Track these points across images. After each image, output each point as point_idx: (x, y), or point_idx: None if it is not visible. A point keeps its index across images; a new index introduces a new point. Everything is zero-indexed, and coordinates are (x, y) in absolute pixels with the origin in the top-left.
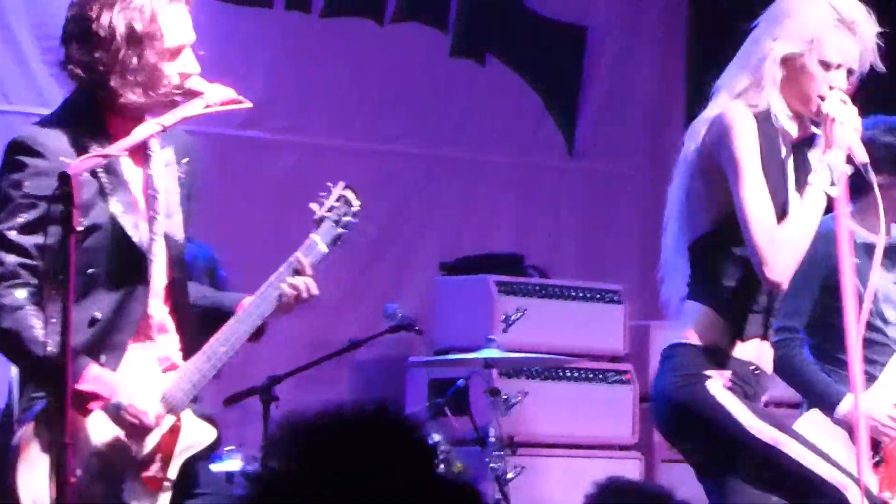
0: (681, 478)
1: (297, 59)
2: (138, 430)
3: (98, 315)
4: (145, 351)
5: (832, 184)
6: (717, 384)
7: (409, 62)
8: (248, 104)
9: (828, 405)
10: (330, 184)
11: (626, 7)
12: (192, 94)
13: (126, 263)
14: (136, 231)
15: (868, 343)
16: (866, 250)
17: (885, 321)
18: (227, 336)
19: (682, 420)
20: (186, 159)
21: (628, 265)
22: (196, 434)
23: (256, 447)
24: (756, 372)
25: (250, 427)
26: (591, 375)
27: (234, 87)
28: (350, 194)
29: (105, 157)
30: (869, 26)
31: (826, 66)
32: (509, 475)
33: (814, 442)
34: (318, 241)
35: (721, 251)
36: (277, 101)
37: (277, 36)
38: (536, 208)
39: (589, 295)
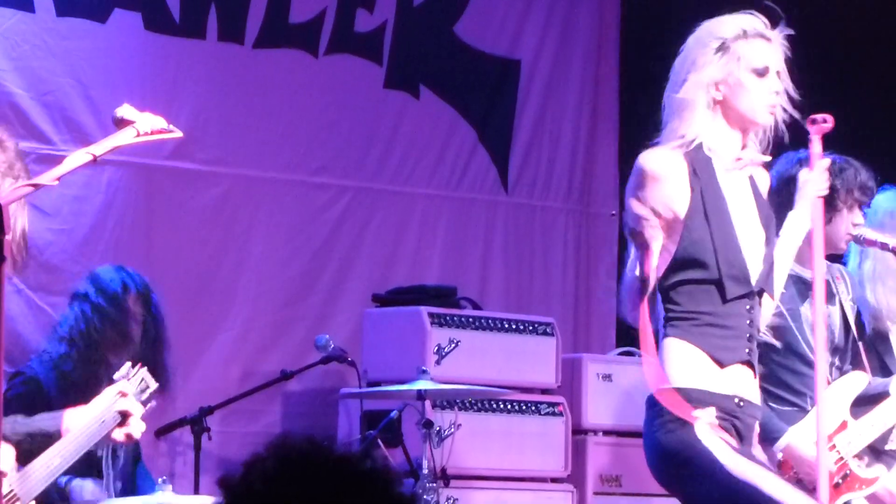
0: None
1: (229, 90)
2: None
3: None
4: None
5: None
6: (704, 426)
7: (343, 94)
8: (179, 134)
9: (769, 439)
10: (128, 363)
11: (558, 41)
12: (123, 124)
13: None
14: None
15: (797, 374)
16: (794, 282)
17: (813, 353)
18: (60, 451)
19: (672, 465)
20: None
21: (560, 298)
22: None
23: (188, 478)
24: (741, 404)
25: (182, 458)
26: (524, 407)
27: (164, 117)
28: (147, 376)
29: (36, 186)
30: (770, 28)
31: (758, 73)
32: None
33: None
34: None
35: (682, 283)
36: (207, 132)
37: (209, 66)
38: (468, 241)
39: (521, 327)
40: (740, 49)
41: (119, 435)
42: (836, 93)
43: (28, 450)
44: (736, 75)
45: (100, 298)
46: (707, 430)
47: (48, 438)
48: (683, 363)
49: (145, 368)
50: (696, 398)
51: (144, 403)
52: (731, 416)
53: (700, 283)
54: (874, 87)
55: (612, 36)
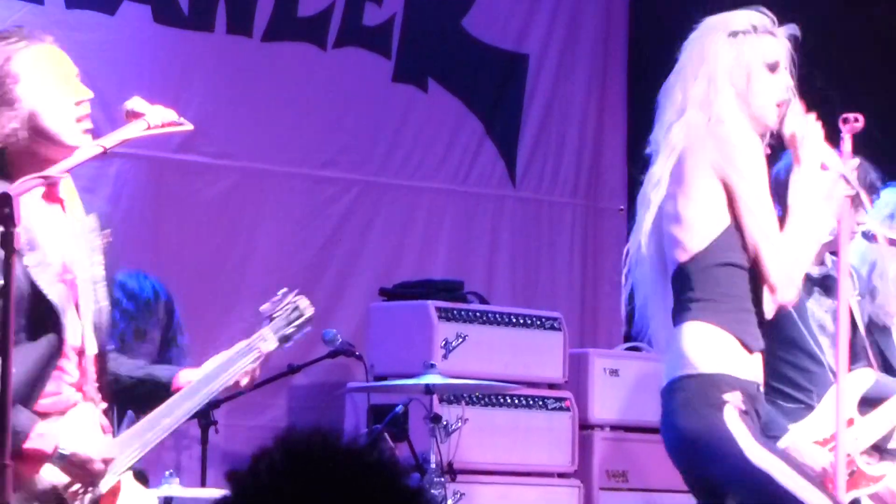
0: None
1: (237, 83)
2: (87, 477)
3: (13, 370)
4: (92, 410)
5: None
6: (733, 411)
7: (352, 87)
8: (189, 126)
9: (771, 437)
10: (285, 289)
11: (565, 35)
12: (133, 116)
13: (41, 320)
14: (53, 290)
15: (803, 370)
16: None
17: (821, 349)
18: (171, 409)
19: (693, 449)
20: (108, 230)
21: (567, 293)
22: (136, 499)
23: (195, 471)
24: (759, 389)
25: (188, 451)
26: (531, 402)
27: (172, 109)
28: (302, 302)
29: (46, 178)
30: (777, 26)
31: (770, 68)
32: (448, 502)
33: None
34: (269, 336)
35: (726, 263)
36: (215, 125)
37: (217, 59)
38: (475, 235)
39: (529, 322)
40: (751, 43)
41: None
42: (844, 91)
43: (135, 396)
44: (748, 69)
45: (130, 304)
46: (735, 416)
47: (156, 388)
48: (713, 347)
49: (302, 296)
50: (726, 382)
51: (288, 338)
52: (754, 401)
53: (738, 267)
54: (883, 85)
55: (619, 30)
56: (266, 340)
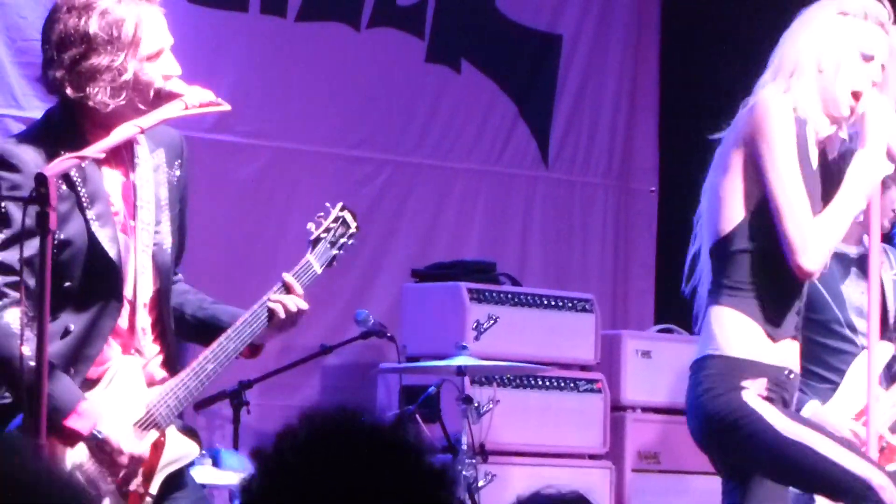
0: (651, 487)
1: (271, 63)
2: (110, 464)
3: (71, 327)
4: (133, 364)
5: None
6: (753, 394)
7: (385, 67)
8: (227, 107)
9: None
10: (328, 204)
11: (598, 16)
12: (171, 96)
13: (100, 277)
14: (114, 244)
15: (836, 352)
16: (836, 260)
17: (853, 331)
18: (215, 353)
19: (719, 430)
20: (179, 161)
21: (599, 275)
22: (179, 450)
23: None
24: (791, 376)
25: (220, 431)
26: (563, 384)
27: (209, 90)
28: (348, 216)
29: (82, 158)
30: (892, 21)
31: (865, 57)
32: (480, 483)
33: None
34: (313, 262)
35: (749, 250)
36: (249, 105)
37: (251, 39)
38: (507, 216)
39: (561, 303)
40: (855, 27)
41: (277, 308)
42: None
43: (196, 336)
44: (841, 51)
45: None
46: (754, 398)
47: (219, 333)
48: (738, 333)
49: (347, 211)
50: (749, 369)
51: (332, 262)
52: (781, 388)
53: (767, 254)
54: None
55: (652, 11)
56: (309, 270)
